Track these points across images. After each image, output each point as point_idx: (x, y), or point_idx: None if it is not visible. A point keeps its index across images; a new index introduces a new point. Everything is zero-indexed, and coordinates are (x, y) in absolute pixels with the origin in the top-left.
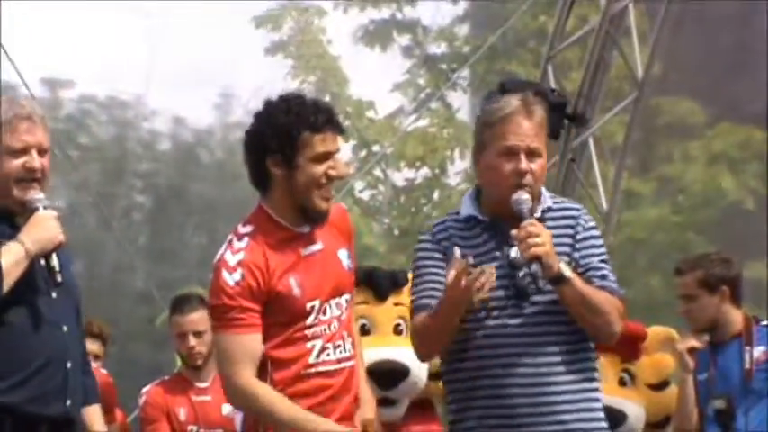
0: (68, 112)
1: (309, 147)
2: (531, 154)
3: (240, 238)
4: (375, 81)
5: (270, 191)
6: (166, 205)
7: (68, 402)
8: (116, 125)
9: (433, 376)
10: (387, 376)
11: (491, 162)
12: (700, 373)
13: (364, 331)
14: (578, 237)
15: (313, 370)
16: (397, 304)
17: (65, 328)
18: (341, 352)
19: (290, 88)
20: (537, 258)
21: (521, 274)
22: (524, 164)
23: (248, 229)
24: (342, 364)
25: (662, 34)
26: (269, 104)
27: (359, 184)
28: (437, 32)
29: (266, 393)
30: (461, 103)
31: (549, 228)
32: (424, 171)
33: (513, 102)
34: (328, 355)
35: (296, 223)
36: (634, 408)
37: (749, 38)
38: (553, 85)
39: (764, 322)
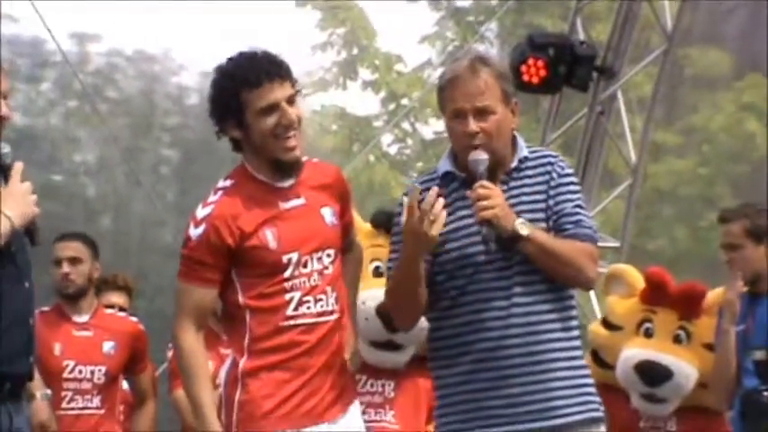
0: (97, 66)
1: (251, 104)
2: (482, 113)
3: (216, 192)
4: (403, 33)
5: (243, 152)
6: (194, 159)
7: (30, 359)
8: (144, 79)
9: None
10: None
11: (448, 125)
12: (736, 324)
13: (378, 273)
14: (552, 183)
15: (291, 322)
16: None
17: (26, 284)
18: (322, 306)
19: (319, 40)
20: (487, 221)
21: None
22: (472, 125)
23: (227, 183)
24: (322, 318)
25: None
26: (214, 72)
27: (387, 138)
28: None
29: (192, 359)
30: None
31: (526, 176)
32: None
33: (460, 64)
34: (308, 308)
35: (275, 178)
36: (683, 366)
37: None
38: (582, 37)
39: None
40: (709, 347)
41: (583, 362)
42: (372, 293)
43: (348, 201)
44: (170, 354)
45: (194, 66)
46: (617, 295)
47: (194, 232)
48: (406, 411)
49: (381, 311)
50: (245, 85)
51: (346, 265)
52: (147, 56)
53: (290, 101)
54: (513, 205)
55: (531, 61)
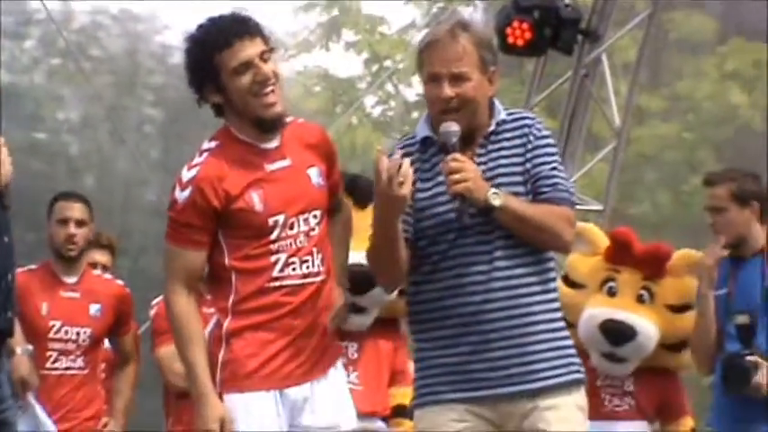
0: (81, 24)
1: (225, 65)
2: (457, 78)
3: (201, 153)
4: None
5: (225, 115)
6: (178, 118)
7: (9, 314)
8: (128, 38)
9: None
10: (357, 280)
11: (424, 88)
12: (718, 288)
13: None
14: (529, 146)
15: (277, 284)
16: None
17: (5, 239)
18: (308, 267)
19: (302, 1)
20: (460, 195)
21: None
22: (447, 90)
23: (212, 144)
24: (307, 280)
25: None
26: (185, 42)
27: (370, 99)
28: None
29: (184, 321)
30: (474, 17)
31: (504, 139)
32: None
33: (441, 28)
34: (294, 269)
35: (260, 139)
36: (647, 326)
37: None
38: (567, 0)
39: None
40: (672, 308)
41: (563, 324)
42: None
43: (334, 160)
44: (152, 312)
45: (179, 25)
46: (578, 253)
47: (181, 195)
48: (368, 372)
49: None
50: (215, 47)
51: (335, 225)
52: (131, 15)
53: (263, 57)
54: (491, 168)
55: (516, 23)
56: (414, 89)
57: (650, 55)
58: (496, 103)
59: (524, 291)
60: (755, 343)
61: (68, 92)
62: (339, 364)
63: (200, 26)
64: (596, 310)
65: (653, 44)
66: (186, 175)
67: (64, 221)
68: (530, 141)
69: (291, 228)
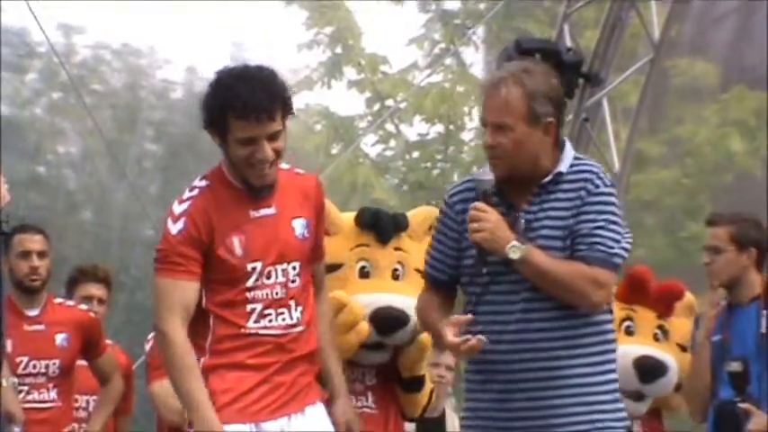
0: (82, 58)
1: (233, 130)
2: (500, 128)
3: (192, 189)
4: (390, 34)
5: (223, 153)
6: (178, 154)
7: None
8: (129, 73)
9: None
10: (386, 323)
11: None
12: (713, 334)
13: (364, 274)
14: (579, 202)
15: (252, 331)
16: (397, 249)
17: None
18: (284, 319)
19: (305, 39)
20: (477, 244)
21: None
22: (488, 138)
23: (202, 183)
24: (284, 331)
25: None
26: (215, 75)
27: (370, 138)
28: None
29: (183, 352)
30: (475, 59)
31: (560, 191)
32: (437, 126)
33: (496, 75)
34: (270, 321)
35: (248, 186)
36: (672, 363)
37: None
38: (569, 43)
39: None
40: (682, 348)
41: (601, 378)
42: (362, 300)
43: (322, 216)
44: (147, 347)
45: (180, 60)
46: None
47: (174, 227)
48: (384, 397)
49: (375, 319)
50: (230, 108)
51: (320, 305)
52: (132, 49)
53: (273, 137)
54: (538, 219)
55: None
56: (414, 129)
57: (651, 100)
58: (565, 151)
59: (552, 344)
60: (748, 390)
61: (69, 126)
62: (319, 403)
63: (232, 71)
64: (625, 347)
65: (654, 90)
66: (178, 208)
67: (26, 254)
68: (581, 197)
69: (268, 277)
